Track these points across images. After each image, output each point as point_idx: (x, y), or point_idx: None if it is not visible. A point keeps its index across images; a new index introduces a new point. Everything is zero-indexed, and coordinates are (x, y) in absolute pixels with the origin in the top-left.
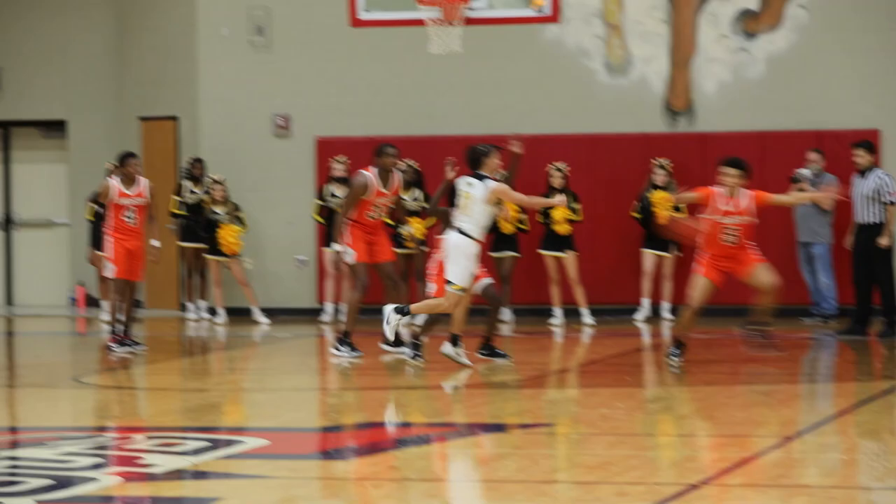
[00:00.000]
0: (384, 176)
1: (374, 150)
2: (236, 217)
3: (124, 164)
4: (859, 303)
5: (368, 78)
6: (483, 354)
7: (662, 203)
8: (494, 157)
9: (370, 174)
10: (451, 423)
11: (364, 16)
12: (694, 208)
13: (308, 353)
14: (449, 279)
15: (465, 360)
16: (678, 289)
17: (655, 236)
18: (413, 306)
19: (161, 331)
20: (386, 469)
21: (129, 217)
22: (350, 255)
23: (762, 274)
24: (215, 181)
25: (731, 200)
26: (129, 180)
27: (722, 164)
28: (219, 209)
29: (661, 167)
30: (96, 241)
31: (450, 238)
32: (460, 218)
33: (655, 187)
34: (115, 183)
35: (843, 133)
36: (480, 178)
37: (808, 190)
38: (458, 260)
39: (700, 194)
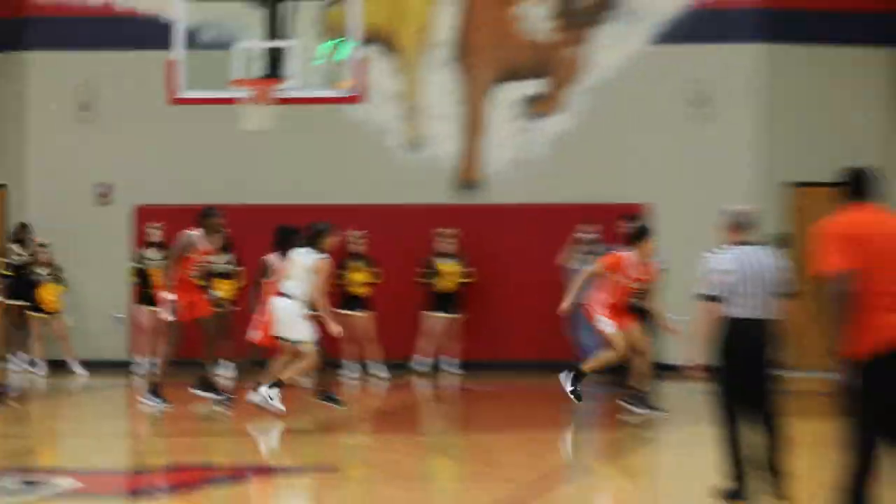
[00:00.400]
0: (209, 237)
1: (201, 212)
2: (57, 277)
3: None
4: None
5: (186, 150)
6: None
7: (450, 271)
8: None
9: (195, 234)
10: (255, 465)
11: (182, 94)
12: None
13: (120, 402)
14: (298, 338)
15: (278, 406)
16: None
17: (441, 299)
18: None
19: None
20: None
21: None
22: (171, 312)
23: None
24: (40, 245)
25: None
26: None
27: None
28: (41, 270)
29: (445, 237)
30: None
31: (279, 302)
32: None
33: (441, 255)
34: None
35: (619, 206)
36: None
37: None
38: (295, 319)
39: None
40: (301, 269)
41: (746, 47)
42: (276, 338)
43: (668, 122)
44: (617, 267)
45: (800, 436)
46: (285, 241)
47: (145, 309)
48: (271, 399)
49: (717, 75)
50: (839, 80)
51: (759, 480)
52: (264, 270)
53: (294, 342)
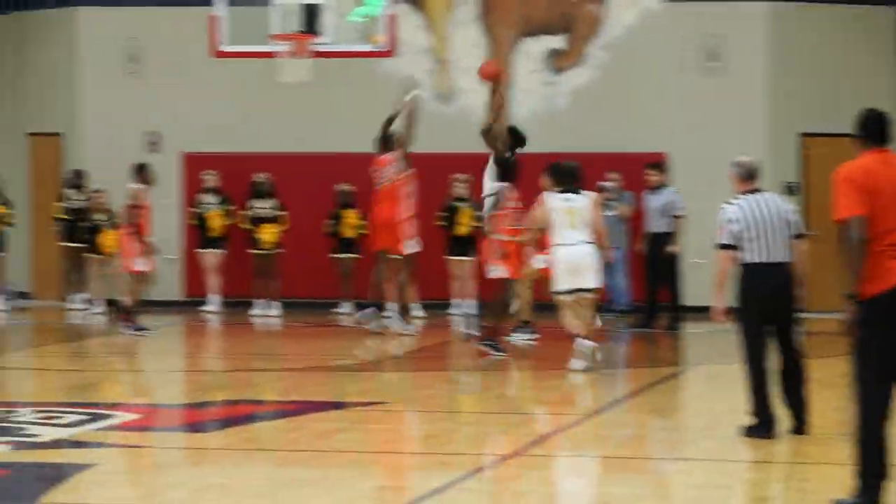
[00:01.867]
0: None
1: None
2: (113, 222)
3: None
4: (648, 300)
5: (229, 102)
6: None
7: (465, 215)
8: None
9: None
10: (298, 400)
11: (224, 48)
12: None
13: (175, 340)
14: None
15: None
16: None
17: (459, 243)
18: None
19: (47, 318)
20: (241, 441)
21: None
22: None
23: None
24: (95, 191)
25: None
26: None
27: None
28: (99, 216)
29: (459, 182)
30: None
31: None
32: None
33: (458, 200)
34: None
35: (637, 155)
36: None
37: (611, 201)
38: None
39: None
40: (586, 212)
41: (757, 4)
42: (577, 290)
43: (683, 75)
44: None
45: (819, 375)
46: (566, 179)
47: (204, 251)
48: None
49: (729, 31)
50: (848, 36)
51: (783, 417)
52: (497, 202)
53: (594, 290)
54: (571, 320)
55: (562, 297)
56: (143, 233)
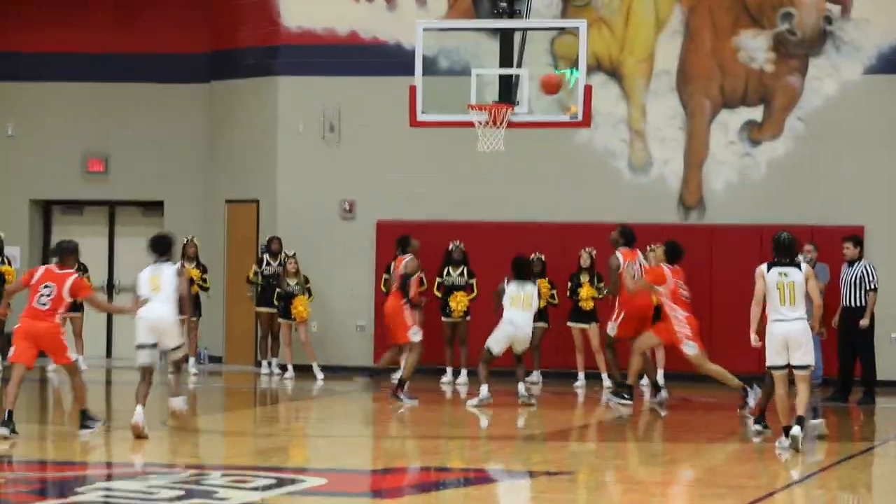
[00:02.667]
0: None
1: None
2: (306, 288)
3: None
4: (842, 374)
5: (423, 170)
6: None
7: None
8: None
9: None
10: (485, 468)
11: (422, 117)
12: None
13: (363, 405)
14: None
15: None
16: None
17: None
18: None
19: (238, 383)
20: None
21: None
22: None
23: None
24: (289, 256)
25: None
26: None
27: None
28: (291, 280)
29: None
30: None
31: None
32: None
33: None
34: None
35: (834, 228)
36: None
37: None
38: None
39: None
40: (801, 286)
41: None
42: (788, 366)
43: (881, 148)
44: None
45: None
46: (784, 252)
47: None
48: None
49: None
50: None
51: None
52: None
53: (807, 367)
54: (783, 397)
55: (775, 373)
56: (414, 301)
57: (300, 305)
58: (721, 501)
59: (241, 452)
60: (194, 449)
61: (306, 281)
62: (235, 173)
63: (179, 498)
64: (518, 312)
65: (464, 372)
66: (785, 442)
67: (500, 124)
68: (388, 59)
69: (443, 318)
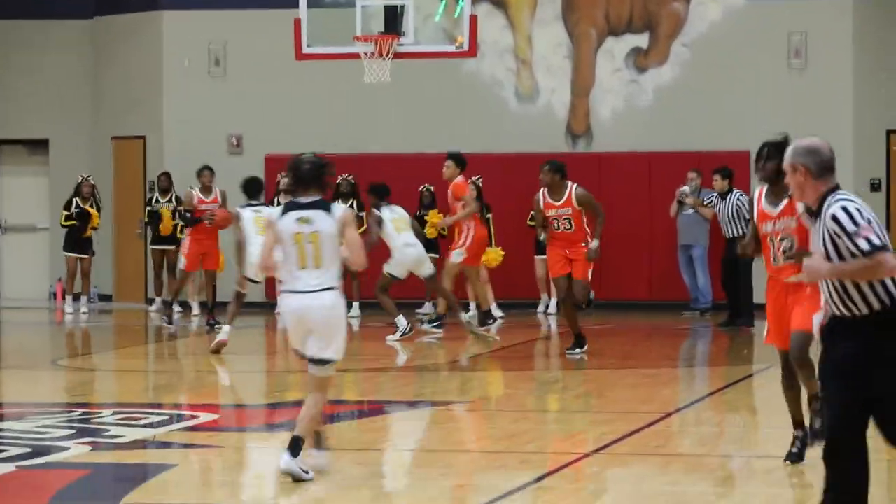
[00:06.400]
0: None
1: None
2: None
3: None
4: (730, 302)
5: (310, 103)
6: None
7: None
8: None
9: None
10: (377, 400)
11: (307, 50)
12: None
13: (257, 341)
14: None
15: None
16: None
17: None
18: None
19: (129, 320)
20: None
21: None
22: None
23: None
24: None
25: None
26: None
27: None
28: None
29: None
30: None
31: None
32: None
33: None
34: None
35: (718, 154)
36: None
37: (690, 203)
38: None
39: None
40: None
41: (838, 2)
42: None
43: (766, 73)
44: None
45: None
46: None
47: None
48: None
49: (810, 28)
50: None
51: None
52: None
53: None
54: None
55: None
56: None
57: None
58: (611, 426)
59: (133, 390)
60: (85, 387)
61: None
62: (121, 110)
63: (70, 437)
64: (409, 234)
65: (356, 304)
66: None
67: (387, 55)
68: None
69: None
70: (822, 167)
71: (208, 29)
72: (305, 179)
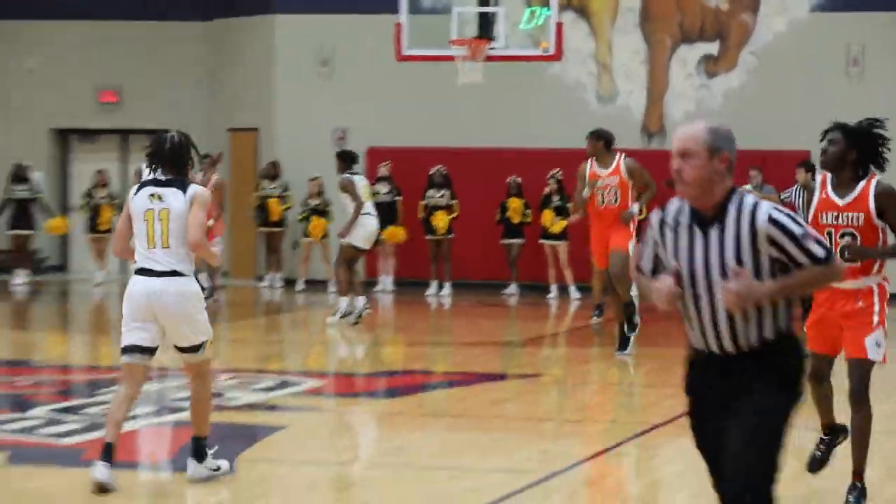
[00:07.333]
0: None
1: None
2: (325, 210)
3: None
4: None
5: (409, 100)
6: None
7: None
8: None
9: None
10: (467, 372)
11: (407, 52)
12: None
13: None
14: None
15: None
16: None
17: None
18: None
19: (242, 295)
20: (415, 407)
21: None
22: None
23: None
24: (313, 179)
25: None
26: None
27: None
28: (313, 201)
29: None
30: None
31: None
32: None
33: None
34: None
35: (783, 153)
36: None
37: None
38: None
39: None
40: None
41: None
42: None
43: (825, 80)
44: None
45: None
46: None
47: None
48: None
49: (868, 39)
50: None
51: None
52: None
53: None
54: None
55: None
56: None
57: (318, 226)
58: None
59: (246, 357)
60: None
61: (326, 204)
62: (236, 104)
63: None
64: (371, 204)
65: (447, 285)
66: None
67: (479, 58)
68: (376, 0)
69: (427, 237)
70: (734, 162)
71: (317, 32)
72: (164, 157)
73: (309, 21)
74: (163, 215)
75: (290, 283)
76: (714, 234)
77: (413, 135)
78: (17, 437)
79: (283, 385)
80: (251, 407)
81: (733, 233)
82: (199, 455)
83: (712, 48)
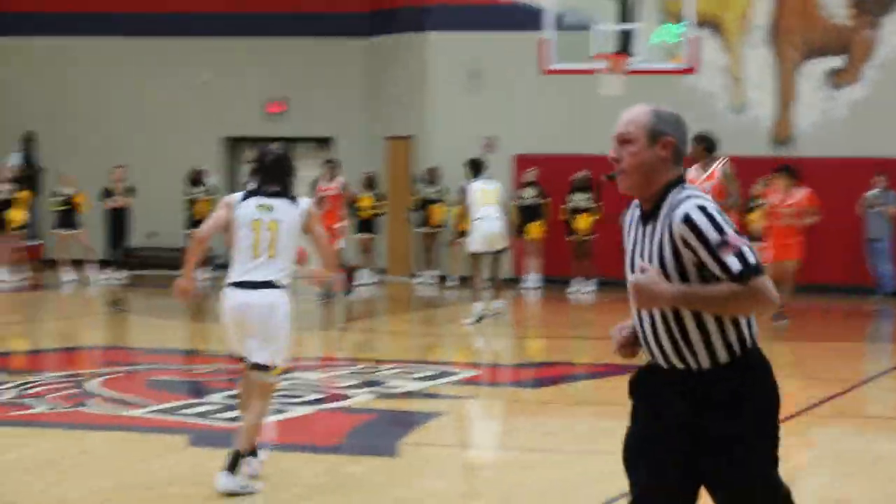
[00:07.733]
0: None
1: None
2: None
3: None
4: None
5: (552, 111)
6: None
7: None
8: None
9: None
10: (610, 363)
11: (552, 66)
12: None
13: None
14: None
15: None
16: None
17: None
18: None
19: (399, 290)
20: (564, 395)
21: None
22: None
23: None
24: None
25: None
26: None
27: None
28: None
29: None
30: None
31: None
32: None
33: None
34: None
35: None
36: None
37: (878, 206)
38: None
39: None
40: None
41: None
42: None
43: None
44: None
45: None
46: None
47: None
48: None
49: None
50: None
51: None
52: None
53: None
54: None
55: None
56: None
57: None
58: (814, 391)
59: (405, 348)
60: (365, 346)
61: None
62: (392, 114)
63: (357, 386)
64: (488, 208)
65: (592, 281)
66: None
67: (620, 72)
68: (523, 16)
69: (569, 237)
70: (683, 149)
71: (466, 48)
72: (267, 170)
73: (459, 38)
74: (271, 226)
75: (442, 279)
76: (650, 230)
77: (557, 143)
78: (195, 421)
79: (441, 375)
80: (411, 395)
81: (660, 230)
82: (234, 468)
83: (837, 62)
